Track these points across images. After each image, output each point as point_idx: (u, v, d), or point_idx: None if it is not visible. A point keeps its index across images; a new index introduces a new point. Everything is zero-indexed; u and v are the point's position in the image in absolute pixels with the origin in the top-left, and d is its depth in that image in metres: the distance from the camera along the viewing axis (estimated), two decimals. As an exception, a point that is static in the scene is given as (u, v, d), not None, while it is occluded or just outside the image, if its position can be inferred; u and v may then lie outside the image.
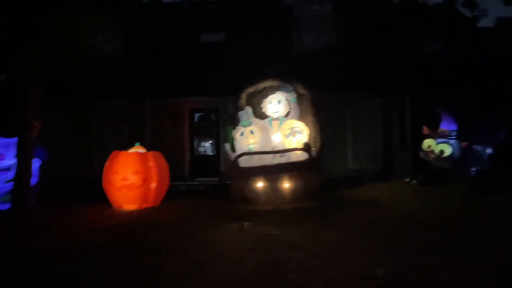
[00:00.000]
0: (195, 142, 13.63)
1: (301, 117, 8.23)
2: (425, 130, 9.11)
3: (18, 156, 7.03)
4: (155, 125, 12.91)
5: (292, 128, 7.51)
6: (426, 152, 8.69)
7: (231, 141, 7.81)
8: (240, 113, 7.78)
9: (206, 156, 13.57)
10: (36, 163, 7.94)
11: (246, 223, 5.99)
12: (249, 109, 8.28)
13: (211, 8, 15.05)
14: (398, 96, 12.17)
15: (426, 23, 12.05)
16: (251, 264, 4.25)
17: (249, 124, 7.56)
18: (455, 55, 12.40)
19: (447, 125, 9.22)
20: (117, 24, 9.95)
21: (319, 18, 13.68)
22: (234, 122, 7.89)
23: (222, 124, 12.76)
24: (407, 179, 9.09)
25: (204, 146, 14.05)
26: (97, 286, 3.82)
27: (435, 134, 8.92)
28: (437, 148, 8.51)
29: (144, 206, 7.42)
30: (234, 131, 7.64)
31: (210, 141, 13.85)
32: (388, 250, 4.62)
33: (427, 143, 8.74)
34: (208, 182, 11.80)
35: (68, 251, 4.96)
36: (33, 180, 7.75)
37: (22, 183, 6.87)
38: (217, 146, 13.14)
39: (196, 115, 13.72)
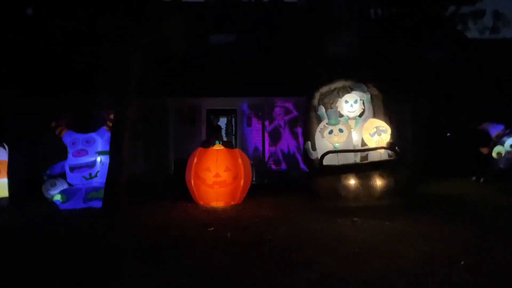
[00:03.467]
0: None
1: (375, 117, 8.40)
2: (484, 150, 9.43)
3: (111, 151, 6.99)
4: (176, 125, 12.84)
5: (377, 127, 7.65)
6: (503, 158, 8.97)
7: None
8: (329, 111, 7.89)
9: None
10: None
11: (356, 218, 6.10)
12: (323, 108, 8.44)
13: (225, 10, 15.20)
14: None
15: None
16: (413, 256, 4.36)
17: (337, 123, 7.66)
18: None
19: (495, 128, 9.57)
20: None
21: (336, 22, 13.85)
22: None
23: (241, 125, 12.89)
24: (473, 178, 9.34)
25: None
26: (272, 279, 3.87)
27: (496, 140, 9.24)
28: (509, 148, 8.85)
29: (232, 203, 7.46)
30: (321, 129, 7.73)
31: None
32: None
33: (497, 150, 9.05)
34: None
35: (208, 246, 4.96)
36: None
37: (115, 180, 6.81)
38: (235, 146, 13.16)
39: (214, 116, 13.61)
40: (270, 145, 12.73)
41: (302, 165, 12.56)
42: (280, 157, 12.83)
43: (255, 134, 13.03)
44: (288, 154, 12.89)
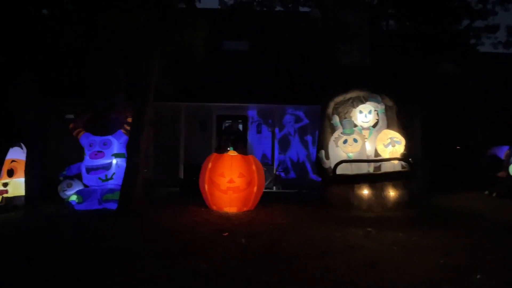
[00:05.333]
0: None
1: (388, 128, 8.43)
2: (503, 174, 9.49)
3: (129, 154, 7.10)
4: (187, 129, 12.89)
5: (391, 138, 7.68)
6: None
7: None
8: (344, 121, 7.95)
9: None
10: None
11: (369, 228, 6.12)
12: (337, 118, 8.50)
13: (238, 17, 15.30)
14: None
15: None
16: (429, 268, 4.38)
17: (352, 133, 7.71)
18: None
19: (502, 150, 9.65)
20: None
21: (349, 32, 13.90)
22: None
23: (251, 131, 13.01)
24: (486, 192, 9.36)
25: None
26: None
27: (507, 159, 9.28)
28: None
29: (245, 209, 7.53)
30: (335, 139, 7.79)
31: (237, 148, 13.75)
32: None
33: None
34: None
35: (223, 251, 5.02)
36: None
37: (132, 182, 6.91)
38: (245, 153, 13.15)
39: (224, 121, 13.63)
40: (279, 153, 12.78)
41: (311, 174, 12.66)
42: (289, 165, 12.89)
43: (265, 141, 13.11)
44: (298, 163, 12.93)
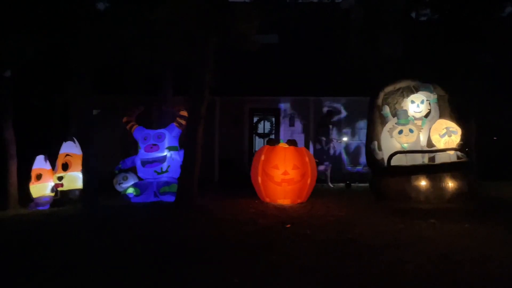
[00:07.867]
0: (256, 142, 13.61)
1: (440, 118, 8.24)
2: None
3: (186, 147, 7.22)
4: (221, 123, 12.80)
5: (447, 127, 7.51)
6: None
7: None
8: (399, 111, 7.83)
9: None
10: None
11: (433, 220, 6.03)
12: (387, 108, 8.37)
13: (271, 9, 15.15)
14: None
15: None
16: (503, 261, 4.28)
17: (407, 123, 7.59)
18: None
19: None
20: None
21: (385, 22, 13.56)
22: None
23: (283, 125, 12.97)
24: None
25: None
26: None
27: None
28: None
29: (298, 201, 7.55)
30: (390, 129, 7.67)
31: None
32: None
33: None
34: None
35: (290, 243, 5.06)
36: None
37: (190, 175, 7.03)
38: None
39: (256, 116, 13.66)
40: (315, 146, 12.68)
41: (347, 166, 12.61)
42: (324, 158, 12.81)
43: (297, 136, 13.01)
44: (334, 155, 12.81)
